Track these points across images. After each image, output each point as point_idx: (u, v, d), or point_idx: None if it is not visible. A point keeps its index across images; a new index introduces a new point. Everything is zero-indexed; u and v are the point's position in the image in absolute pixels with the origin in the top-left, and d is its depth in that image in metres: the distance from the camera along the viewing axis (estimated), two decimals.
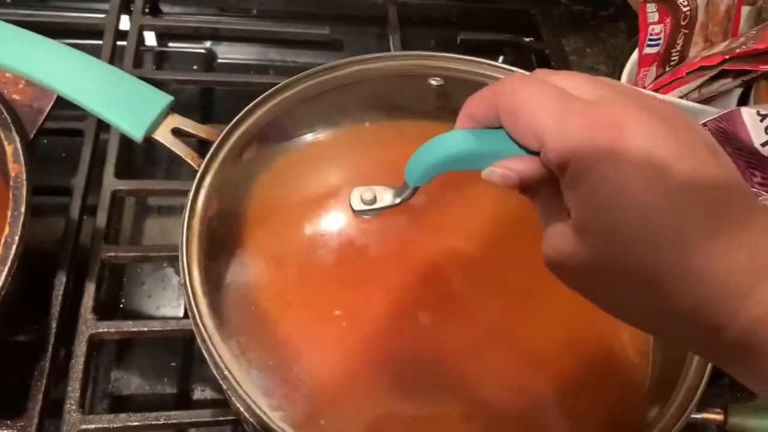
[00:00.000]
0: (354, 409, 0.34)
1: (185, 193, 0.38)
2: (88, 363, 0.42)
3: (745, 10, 0.62)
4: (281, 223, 0.40)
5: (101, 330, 0.43)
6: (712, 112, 0.50)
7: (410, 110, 0.46)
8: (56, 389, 0.42)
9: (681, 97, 0.58)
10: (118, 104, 0.39)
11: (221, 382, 0.31)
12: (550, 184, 0.26)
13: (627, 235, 0.23)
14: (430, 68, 0.45)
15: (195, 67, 0.63)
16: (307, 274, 0.38)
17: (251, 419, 0.30)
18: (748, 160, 0.48)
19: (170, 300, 0.51)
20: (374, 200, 0.35)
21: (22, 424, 0.39)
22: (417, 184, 0.33)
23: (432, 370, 0.36)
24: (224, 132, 0.39)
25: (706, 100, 0.58)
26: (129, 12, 0.61)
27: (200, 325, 0.32)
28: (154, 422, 0.40)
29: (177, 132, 0.40)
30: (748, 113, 0.47)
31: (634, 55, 0.60)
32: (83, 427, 0.40)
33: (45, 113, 0.43)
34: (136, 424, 0.40)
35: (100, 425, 0.40)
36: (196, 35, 0.64)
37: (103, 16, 0.59)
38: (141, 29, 0.59)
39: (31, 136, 0.42)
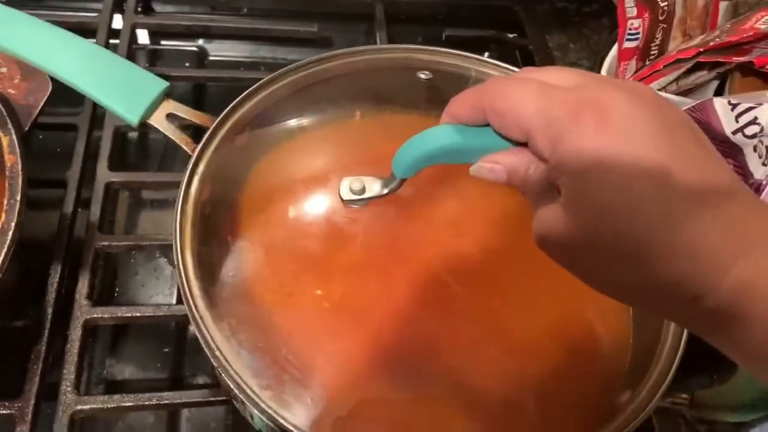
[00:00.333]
0: (341, 389, 0.35)
1: (178, 184, 0.39)
2: (83, 347, 0.43)
3: (723, 5, 0.64)
4: (273, 210, 0.41)
5: (96, 315, 0.44)
6: (687, 103, 0.52)
7: (400, 102, 0.47)
8: (52, 375, 0.43)
9: (659, 90, 0.59)
10: (114, 89, 0.41)
11: (212, 361, 0.33)
12: (539, 170, 0.27)
13: (614, 212, 0.24)
14: (419, 61, 0.47)
15: (187, 65, 0.65)
16: (297, 261, 0.39)
17: (241, 397, 0.32)
18: (721, 149, 0.49)
19: (163, 289, 0.52)
20: (363, 190, 0.37)
21: (19, 405, 0.41)
22: (404, 175, 0.35)
23: (418, 354, 0.37)
24: (218, 119, 0.41)
25: (684, 93, 0.60)
26: (122, 11, 0.62)
27: (192, 306, 0.34)
28: (147, 403, 0.42)
29: (172, 118, 0.42)
30: (719, 103, 0.49)
31: (614, 50, 0.61)
32: (78, 407, 0.41)
33: (39, 107, 0.45)
34: (129, 404, 0.42)
35: (95, 406, 0.41)
36: (187, 33, 0.66)
37: (96, 14, 0.60)
38: (134, 27, 0.61)
39: (26, 128, 0.44)
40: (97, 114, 0.55)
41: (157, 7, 0.66)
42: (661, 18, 0.61)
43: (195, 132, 0.42)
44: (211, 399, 0.43)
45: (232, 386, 0.32)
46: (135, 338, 0.50)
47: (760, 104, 0.47)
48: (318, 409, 0.34)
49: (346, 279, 0.39)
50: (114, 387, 0.48)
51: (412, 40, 0.66)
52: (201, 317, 0.33)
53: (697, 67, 0.57)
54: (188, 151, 0.40)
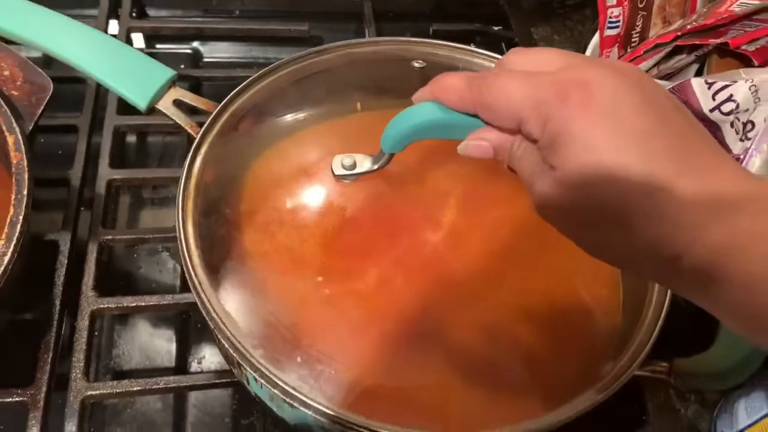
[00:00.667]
0: (330, 348, 0.37)
1: (177, 180, 0.40)
2: (91, 336, 0.45)
3: None
4: (272, 188, 0.43)
5: (102, 306, 0.46)
6: (667, 85, 0.54)
7: (396, 92, 0.49)
8: (61, 366, 0.45)
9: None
10: (124, 75, 0.43)
11: (209, 323, 0.34)
12: (526, 146, 0.29)
13: (600, 185, 0.26)
14: (413, 53, 0.49)
15: (182, 66, 0.67)
16: (294, 235, 0.41)
17: (235, 356, 0.33)
18: None
19: (166, 281, 0.54)
20: (354, 166, 0.39)
21: (32, 392, 0.42)
22: (392, 150, 0.37)
23: (410, 320, 0.39)
24: (221, 104, 0.43)
25: (665, 77, 0.61)
26: (117, 16, 0.64)
27: (192, 272, 0.35)
28: (154, 386, 0.43)
29: (178, 104, 0.44)
30: (697, 82, 0.50)
31: (596, 38, 0.63)
32: (88, 393, 0.42)
33: (42, 106, 0.46)
34: (137, 388, 0.43)
35: (104, 391, 0.43)
36: (182, 36, 0.67)
37: (92, 20, 0.62)
38: (129, 32, 0.63)
39: (30, 127, 0.45)
40: (97, 116, 0.56)
41: (152, 12, 0.68)
42: (640, 6, 0.63)
43: (200, 120, 0.44)
44: (216, 381, 0.44)
45: (227, 346, 0.34)
46: (140, 329, 0.51)
47: (735, 82, 0.48)
48: (308, 368, 0.36)
49: (342, 252, 0.41)
50: (121, 375, 0.49)
51: (400, 36, 0.68)
52: (200, 283, 0.35)
53: (677, 50, 0.59)
54: (193, 134, 0.42)
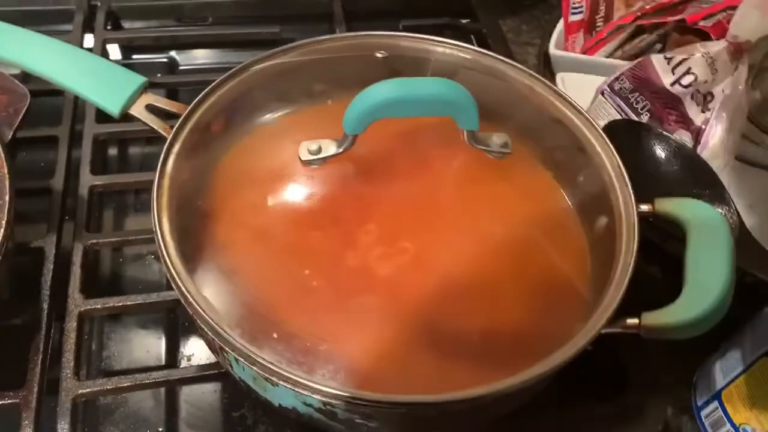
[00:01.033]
0: (304, 324, 0.38)
1: None
2: (80, 337, 0.46)
3: None
4: (243, 180, 0.44)
5: (89, 307, 0.47)
6: (629, 65, 0.55)
7: (363, 83, 0.50)
8: (51, 371, 0.46)
9: (606, 57, 0.63)
10: (96, 84, 0.45)
11: (187, 308, 0.36)
12: None
13: None
14: (379, 45, 0.50)
15: (159, 75, 0.68)
16: (263, 218, 0.42)
17: (215, 339, 0.34)
18: (664, 101, 0.53)
19: (152, 284, 0.54)
20: (319, 150, 0.40)
21: (23, 393, 0.43)
22: (354, 132, 0.38)
23: (380, 288, 0.40)
24: (191, 106, 0.44)
25: (630, 58, 0.63)
26: (92, 30, 0.66)
27: (168, 262, 0.36)
28: (144, 381, 0.44)
29: (151, 108, 0.45)
30: (656, 59, 0.52)
31: (560, 24, 0.65)
32: (80, 391, 0.43)
33: (20, 116, 0.48)
34: (127, 384, 0.44)
35: (95, 389, 0.44)
36: (157, 46, 0.69)
37: (66, 35, 0.63)
38: (104, 43, 0.64)
39: (10, 135, 0.46)
40: (76, 126, 0.58)
41: (126, 24, 0.69)
42: None
43: (173, 123, 0.45)
44: (205, 374, 0.45)
45: (206, 329, 0.35)
46: (128, 331, 0.52)
47: (692, 55, 0.50)
48: (284, 344, 0.37)
49: (312, 233, 0.42)
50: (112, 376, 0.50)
51: None
52: (177, 272, 0.36)
53: (639, 31, 0.61)
54: (166, 135, 0.43)
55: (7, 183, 0.43)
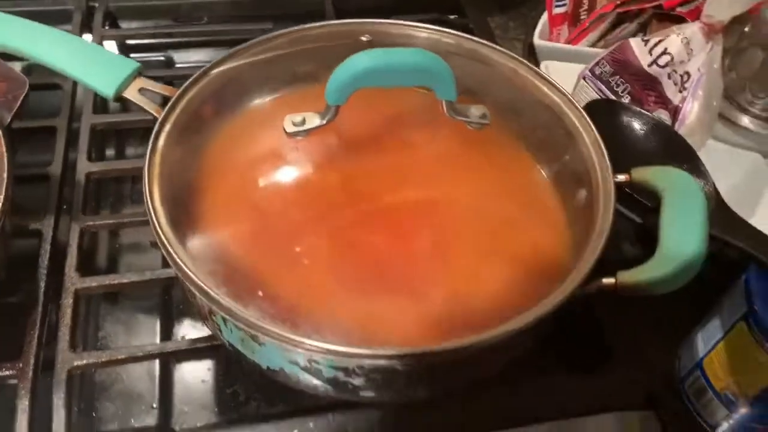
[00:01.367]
0: (288, 283, 0.39)
1: None
2: (76, 312, 0.47)
3: None
4: (231, 156, 0.46)
5: (85, 285, 0.48)
6: (608, 51, 0.57)
7: None
8: (48, 349, 0.47)
9: (590, 46, 0.65)
10: (92, 69, 0.47)
11: (177, 272, 0.37)
12: None
13: None
14: (362, 31, 0.52)
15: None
16: (249, 186, 0.44)
17: (202, 299, 0.36)
18: (643, 83, 0.54)
19: (148, 263, 0.56)
20: (303, 122, 0.41)
21: (20, 365, 0.44)
22: (336, 102, 0.40)
23: (358, 250, 0.41)
24: (182, 88, 0.46)
25: None
26: (90, 30, 0.68)
27: (158, 228, 0.38)
28: (138, 354, 0.45)
29: (144, 91, 0.47)
30: (635, 41, 0.54)
31: (544, 16, 0.67)
32: (75, 363, 0.44)
33: (19, 101, 0.49)
34: (122, 357, 0.45)
35: (90, 360, 0.45)
36: (154, 45, 0.71)
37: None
38: (102, 41, 0.66)
39: (9, 119, 0.48)
40: (74, 118, 0.59)
41: (123, 24, 0.72)
42: None
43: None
44: (198, 346, 0.46)
45: (194, 290, 0.36)
46: (124, 311, 0.53)
47: (668, 36, 0.52)
48: (268, 302, 0.38)
49: (294, 199, 0.43)
50: None
51: None
52: (166, 237, 0.38)
53: (620, 21, 0.63)
54: (158, 116, 0.45)
55: (5, 160, 0.45)
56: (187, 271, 0.36)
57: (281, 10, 0.72)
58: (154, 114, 0.46)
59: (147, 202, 0.39)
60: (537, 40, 0.64)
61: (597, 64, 0.55)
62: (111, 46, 0.68)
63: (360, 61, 0.37)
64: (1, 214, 0.43)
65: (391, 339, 0.38)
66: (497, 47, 0.52)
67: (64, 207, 0.54)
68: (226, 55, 0.49)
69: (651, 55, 0.52)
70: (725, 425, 0.46)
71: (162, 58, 0.71)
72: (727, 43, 0.56)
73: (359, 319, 0.39)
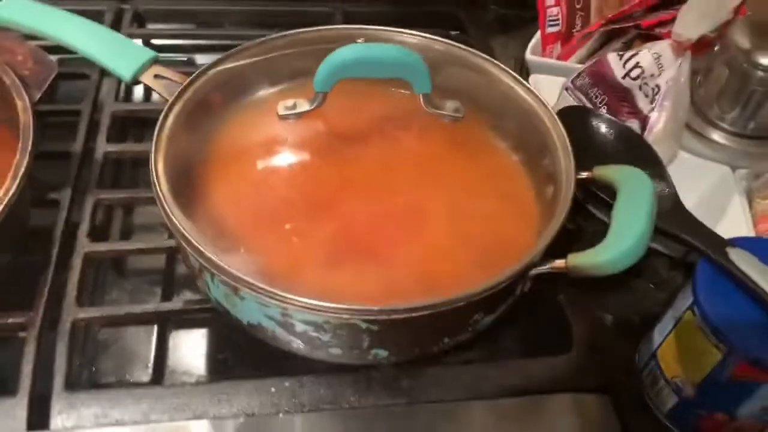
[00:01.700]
0: (268, 244, 0.44)
1: None
2: (84, 273, 0.52)
3: None
4: (227, 134, 0.51)
5: (94, 249, 0.53)
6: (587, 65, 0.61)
7: None
8: (57, 309, 0.51)
9: (578, 63, 0.69)
10: (113, 54, 0.53)
11: (171, 229, 0.42)
12: None
13: None
14: (358, 35, 0.57)
15: None
16: (245, 160, 0.49)
17: (191, 252, 0.40)
18: (618, 94, 0.59)
19: (155, 234, 0.60)
20: (294, 107, 0.46)
21: (31, 314, 0.49)
22: (322, 89, 0.45)
23: (335, 217, 0.46)
24: (193, 75, 0.51)
25: None
26: (119, 29, 0.74)
27: (159, 190, 0.43)
28: (138, 311, 0.50)
29: (159, 78, 0.52)
30: (611, 56, 0.58)
31: (537, 35, 0.72)
32: (80, 315, 0.49)
33: (48, 81, 0.55)
34: (123, 313, 0.50)
35: (93, 315, 0.50)
36: (177, 45, 0.77)
37: None
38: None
39: (37, 97, 0.54)
40: (98, 104, 0.65)
41: (150, 25, 0.78)
42: (578, 6, 0.72)
43: None
44: (193, 307, 0.51)
45: (187, 247, 0.41)
46: (129, 280, 0.58)
47: (641, 51, 0.56)
48: (249, 259, 0.42)
49: (284, 179, 0.48)
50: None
51: None
52: (164, 195, 0.42)
53: (608, 38, 0.67)
54: (168, 98, 0.50)
55: (30, 132, 0.50)
56: (178, 224, 0.41)
57: (294, 19, 0.78)
58: (167, 97, 0.51)
59: (151, 165, 0.44)
60: (528, 56, 0.69)
61: (578, 76, 0.60)
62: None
63: (344, 53, 0.42)
64: (26, 170, 0.47)
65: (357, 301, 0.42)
66: (483, 55, 0.56)
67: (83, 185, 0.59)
68: (233, 50, 0.54)
69: (624, 68, 0.57)
70: (674, 412, 0.49)
71: (184, 59, 0.77)
72: (702, 62, 0.60)
73: (331, 285, 0.44)
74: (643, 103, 0.57)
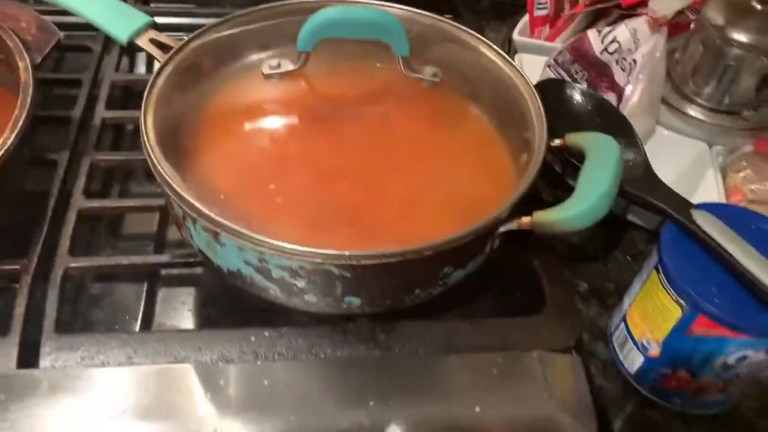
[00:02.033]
0: (247, 195, 0.47)
1: None
2: (77, 225, 0.54)
3: None
4: (220, 96, 0.54)
5: (88, 205, 0.55)
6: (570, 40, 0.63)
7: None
8: (49, 261, 0.54)
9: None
10: (110, 17, 0.55)
11: (155, 175, 0.44)
12: None
13: None
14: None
15: None
16: (229, 117, 0.51)
17: (179, 203, 0.43)
18: (597, 70, 0.60)
19: (148, 192, 0.63)
20: (278, 66, 0.49)
21: (25, 261, 0.51)
22: (305, 48, 0.47)
23: (313, 172, 0.48)
24: (185, 40, 0.54)
25: None
26: None
27: (146, 141, 0.45)
28: (126, 262, 0.53)
29: (153, 41, 0.55)
30: (591, 33, 0.60)
31: (525, 17, 0.74)
32: (72, 265, 0.51)
33: (50, 46, 0.58)
34: (112, 263, 0.53)
35: (84, 264, 0.52)
36: (180, 24, 0.79)
37: None
38: None
39: (39, 60, 0.56)
40: (99, 74, 0.68)
41: (153, 4, 0.81)
42: None
43: None
44: (179, 260, 0.53)
45: (167, 191, 0.43)
46: (123, 240, 0.61)
47: (618, 26, 0.58)
48: (230, 206, 0.45)
49: (269, 138, 0.51)
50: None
51: None
52: (151, 147, 0.45)
53: (594, 19, 0.69)
54: (160, 60, 0.52)
55: (30, 90, 0.53)
56: (163, 172, 0.43)
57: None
58: (159, 60, 0.54)
59: (141, 119, 0.46)
60: (516, 36, 0.71)
61: (560, 53, 0.62)
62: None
63: (325, 14, 0.44)
64: (22, 126, 0.50)
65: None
66: (465, 28, 0.58)
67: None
68: (224, 18, 0.57)
69: (603, 43, 0.59)
70: (641, 372, 0.51)
71: (185, 37, 0.79)
72: (680, 41, 0.62)
73: (309, 242, 0.45)
74: (620, 77, 0.58)
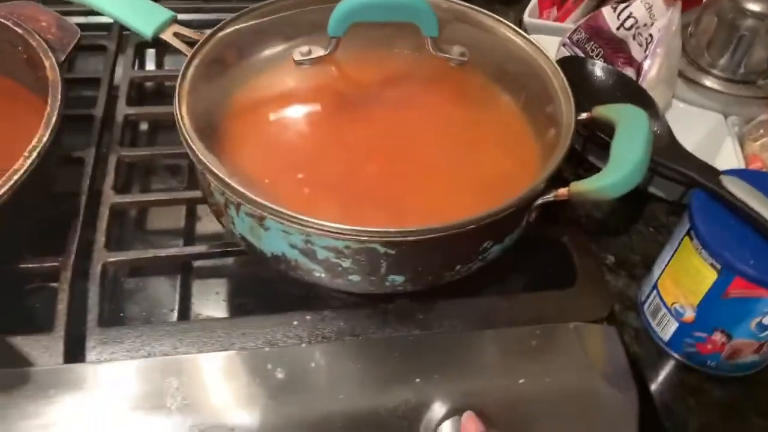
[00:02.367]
0: (293, 172, 0.48)
1: None
2: (111, 220, 0.54)
3: None
4: (251, 84, 0.54)
5: (119, 200, 0.56)
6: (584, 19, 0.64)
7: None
8: (86, 260, 0.54)
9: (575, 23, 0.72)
10: (135, 13, 0.56)
11: (195, 163, 0.45)
12: None
13: None
14: None
15: None
16: (261, 104, 0.52)
17: (223, 188, 0.43)
18: (613, 46, 0.61)
19: (177, 186, 0.64)
20: (309, 53, 0.49)
21: (62, 259, 0.52)
22: (335, 34, 0.47)
23: (349, 155, 0.49)
24: (210, 33, 0.54)
25: None
26: None
27: (183, 128, 0.46)
28: (162, 254, 0.53)
29: (178, 35, 0.56)
30: (606, 9, 0.61)
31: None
32: (109, 259, 0.52)
33: (72, 45, 0.58)
34: (149, 256, 0.53)
35: (120, 258, 0.52)
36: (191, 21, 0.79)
37: None
38: None
39: (63, 58, 0.57)
40: (116, 71, 0.68)
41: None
42: None
43: None
44: (215, 250, 0.54)
45: (209, 177, 0.44)
46: (153, 234, 0.61)
47: (634, 2, 0.59)
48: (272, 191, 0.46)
49: (299, 123, 0.51)
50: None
51: None
52: (189, 135, 0.45)
53: (601, 1, 0.70)
54: (187, 54, 0.53)
55: (59, 87, 0.53)
56: (203, 158, 0.44)
57: None
58: (186, 53, 0.54)
59: (175, 107, 0.47)
60: (526, 18, 0.72)
61: (575, 31, 0.63)
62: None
63: None
64: (54, 125, 0.50)
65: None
66: (484, 11, 0.59)
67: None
68: (250, 8, 0.57)
69: (619, 19, 0.60)
70: (676, 338, 0.52)
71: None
72: (693, 15, 0.63)
73: (340, 218, 0.46)
74: (637, 52, 0.59)
